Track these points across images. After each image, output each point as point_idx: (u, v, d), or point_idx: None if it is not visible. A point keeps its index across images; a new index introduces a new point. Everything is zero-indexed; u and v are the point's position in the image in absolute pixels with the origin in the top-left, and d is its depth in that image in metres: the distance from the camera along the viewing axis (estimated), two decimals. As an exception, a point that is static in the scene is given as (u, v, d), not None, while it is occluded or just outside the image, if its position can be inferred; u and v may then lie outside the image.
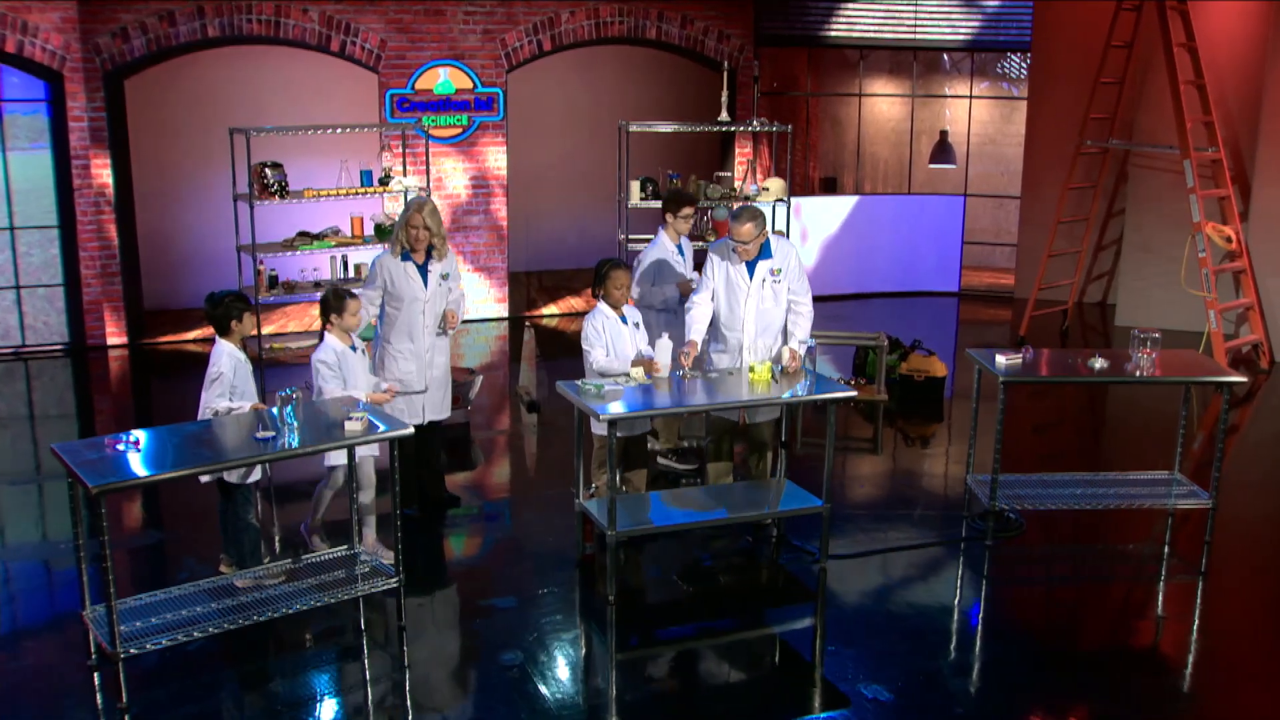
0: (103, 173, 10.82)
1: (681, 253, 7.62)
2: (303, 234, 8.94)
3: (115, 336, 11.13)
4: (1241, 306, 10.68)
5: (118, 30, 10.69)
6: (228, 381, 5.67)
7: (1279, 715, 5.17)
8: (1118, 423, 9.50)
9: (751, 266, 6.52)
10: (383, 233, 9.07)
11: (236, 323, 5.80)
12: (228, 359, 5.72)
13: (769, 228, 7.30)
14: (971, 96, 14.26)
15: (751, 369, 6.24)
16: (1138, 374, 6.50)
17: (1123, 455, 8.36)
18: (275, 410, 5.24)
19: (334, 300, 6.05)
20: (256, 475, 5.83)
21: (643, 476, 6.62)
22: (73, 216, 10.78)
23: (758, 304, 6.54)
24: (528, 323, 10.81)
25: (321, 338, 6.13)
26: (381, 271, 6.64)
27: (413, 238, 6.54)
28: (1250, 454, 8.41)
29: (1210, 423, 9.11)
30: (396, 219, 6.84)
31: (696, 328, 6.51)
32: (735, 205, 10.14)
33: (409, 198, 6.74)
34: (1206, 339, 10.21)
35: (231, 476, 5.68)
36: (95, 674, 5.19)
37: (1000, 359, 6.47)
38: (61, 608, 6.05)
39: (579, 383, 6.05)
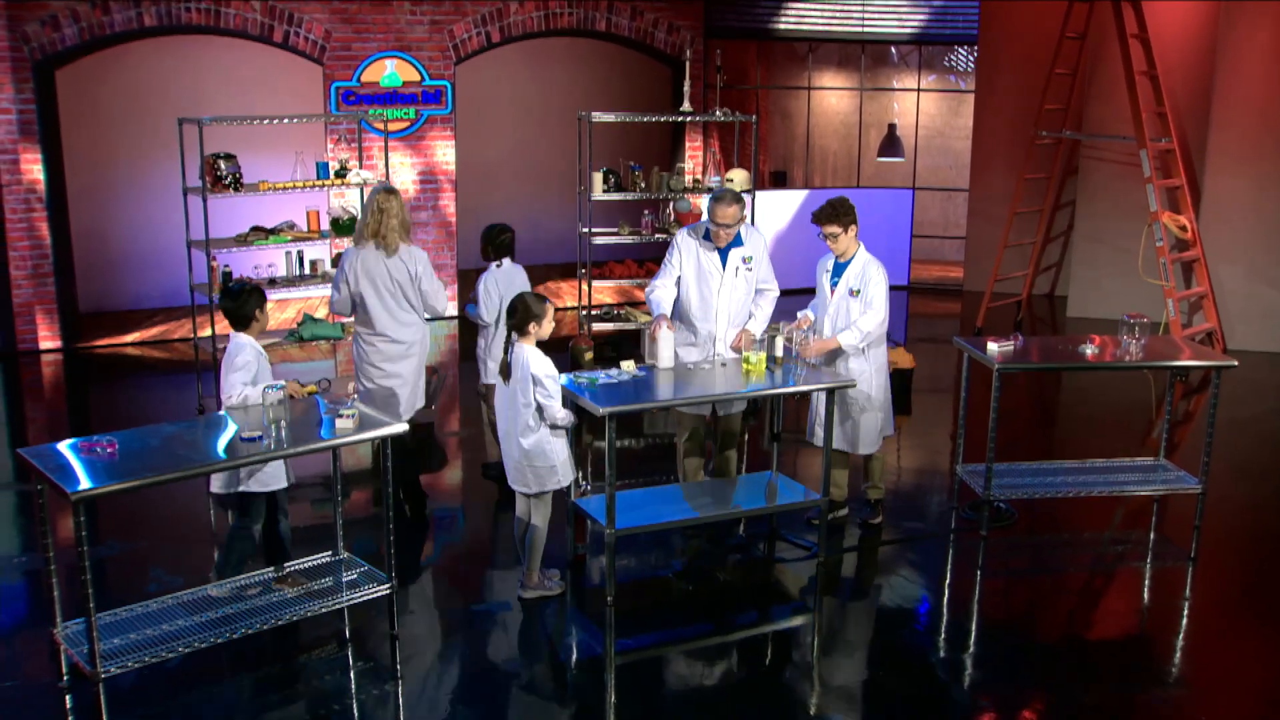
0: (33, 168, 10.30)
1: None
2: (257, 229, 8.57)
3: (48, 340, 10.61)
4: (1196, 295, 10.80)
5: (47, 18, 10.19)
6: (253, 370, 5.32)
7: (1272, 692, 5.17)
8: (1076, 410, 9.54)
9: (724, 255, 6.34)
10: (340, 227, 8.74)
11: (260, 313, 5.46)
12: (251, 350, 5.36)
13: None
14: (919, 90, 14.31)
15: (746, 359, 6.07)
16: (1126, 359, 6.47)
17: (1084, 442, 8.37)
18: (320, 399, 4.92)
19: (535, 305, 5.44)
20: (282, 483, 5.43)
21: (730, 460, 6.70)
22: (1, 214, 10.23)
23: (730, 293, 6.37)
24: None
25: (508, 348, 5.53)
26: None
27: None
28: (1216, 439, 8.48)
29: (1172, 410, 9.17)
30: (388, 213, 6.40)
31: (665, 307, 6.29)
32: (676, 204, 10.01)
33: (377, 190, 6.43)
34: (1164, 327, 10.30)
35: (254, 486, 5.32)
36: (68, 696, 4.84)
37: (992, 346, 6.39)
38: (20, 626, 5.64)
39: (573, 375, 5.83)
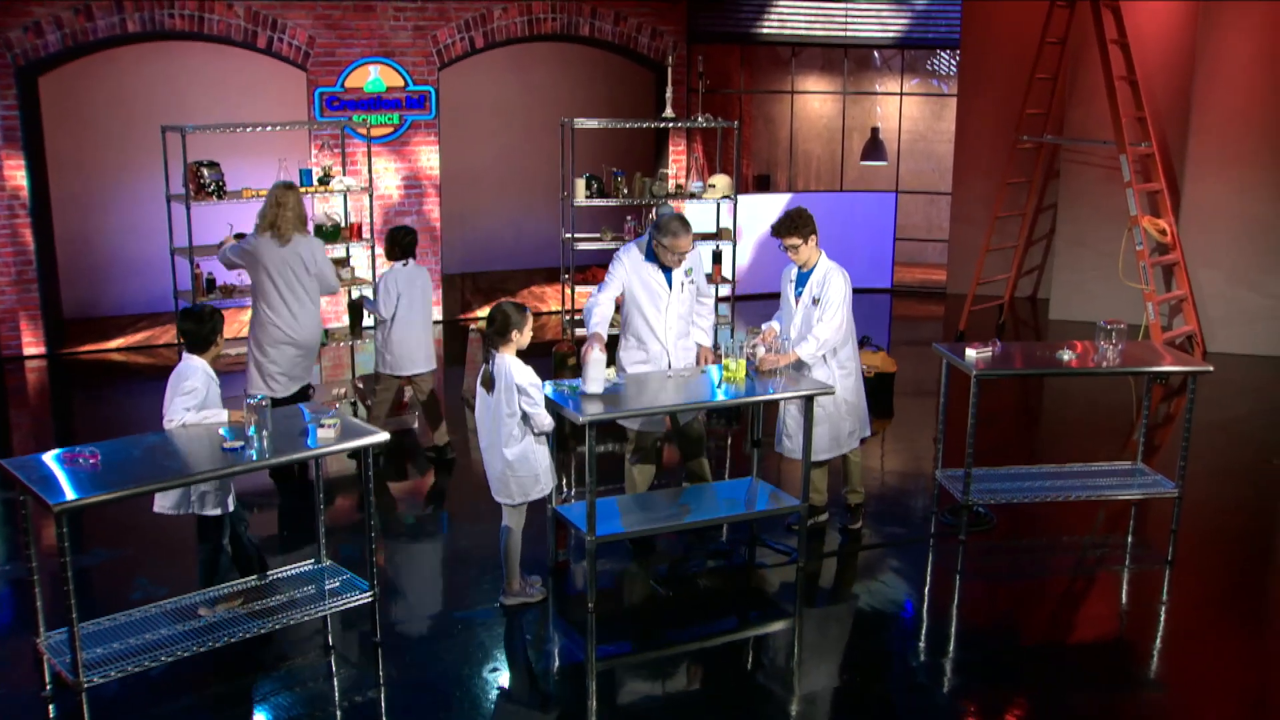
0: (16, 175, 10.29)
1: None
2: (240, 236, 8.55)
3: (33, 347, 10.60)
4: (1175, 299, 10.89)
5: (30, 24, 10.18)
6: (200, 396, 5.28)
7: (1251, 694, 5.22)
8: (1058, 414, 9.60)
9: (668, 272, 6.34)
10: (323, 234, 8.75)
11: (220, 338, 5.41)
12: (202, 375, 5.28)
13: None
14: (902, 94, 14.37)
15: (726, 366, 6.10)
16: (1104, 365, 6.53)
17: (1066, 445, 8.43)
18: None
19: (515, 315, 5.45)
20: (228, 507, 5.38)
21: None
22: (-16, 221, 10.25)
23: (677, 308, 6.41)
24: (472, 326, 10.55)
25: (489, 358, 5.49)
26: None
27: None
28: (1196, 442, 8.55)
29: (1151, 413, 9.25)
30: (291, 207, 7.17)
31: (602, 326, 6.09)
32: (659, 209, 9.98)
33: (276, 185, 7.26)
34: (1144, 331, 10.38)
35: (211, 511, 5.29)
36: (51, 705, 4.86)
37: (970, 352, 6.44)
38: (3, 635, 5.66)
39: (554, 383, 5.86)
